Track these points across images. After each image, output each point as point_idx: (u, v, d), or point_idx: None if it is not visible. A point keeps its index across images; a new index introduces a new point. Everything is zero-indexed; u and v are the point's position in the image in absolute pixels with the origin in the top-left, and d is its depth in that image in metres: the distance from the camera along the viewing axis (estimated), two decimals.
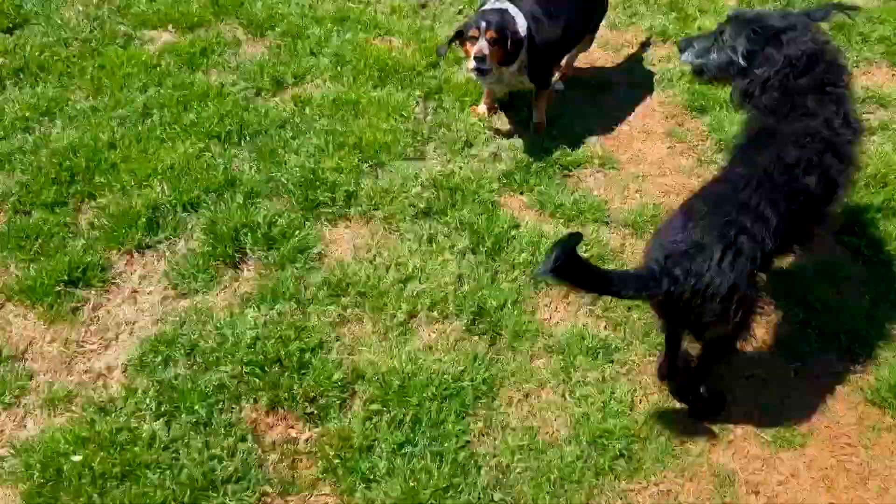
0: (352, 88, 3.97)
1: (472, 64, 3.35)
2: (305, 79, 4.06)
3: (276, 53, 4.19)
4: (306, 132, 3.69)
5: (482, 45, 3.30)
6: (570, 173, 3.61)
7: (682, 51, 2.94)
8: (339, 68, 4.10)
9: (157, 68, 4.01)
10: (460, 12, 4.61)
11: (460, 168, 3.58)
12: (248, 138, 3.64)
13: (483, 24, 3.32)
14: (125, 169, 3.40)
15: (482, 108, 3.93)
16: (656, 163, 3.71)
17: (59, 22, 4.27)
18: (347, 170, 3.48)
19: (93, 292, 2.96)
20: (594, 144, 3.77)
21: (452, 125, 3.81)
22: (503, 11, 3.43)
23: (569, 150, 3.68)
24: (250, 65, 4.08)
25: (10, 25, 4.24)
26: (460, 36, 3.46)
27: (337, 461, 2.47)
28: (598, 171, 3.64)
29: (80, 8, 4.41)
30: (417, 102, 3.92)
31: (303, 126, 3.72)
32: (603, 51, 4.43)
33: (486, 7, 3.51)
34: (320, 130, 3.69)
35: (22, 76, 3.91)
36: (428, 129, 3.77)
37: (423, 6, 4.64)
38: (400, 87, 4.01)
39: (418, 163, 3.60)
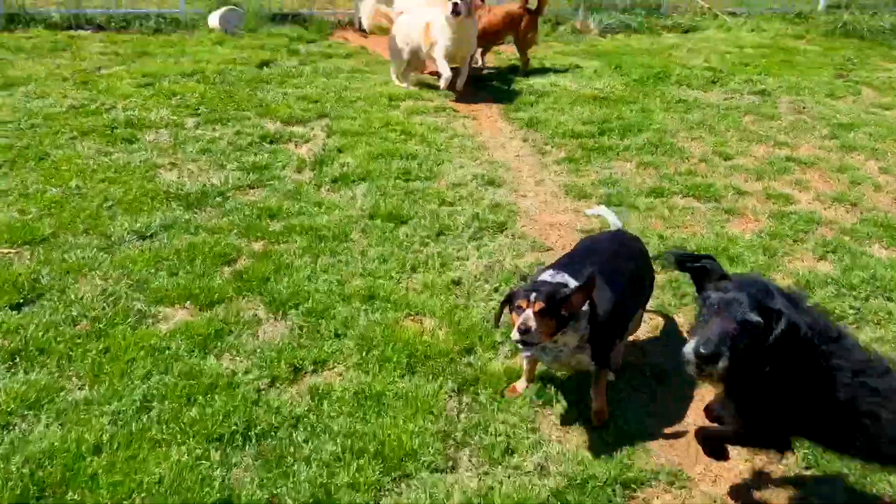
0: (377, 378, 3.53)
1: (515, 335, 2.99)
2: (327, 364, 3.65)
3: (298, 336, 3.82)
4: (321, 434, 3.18)
5: (527, 317, 2.95)
6: (634, 494, 2.99)
7: (712, 360, 2.38)
8: (364, 353, 3.70)
9: (167, 352, 3.64)
10: (496, 290, 4.31)
11: (500, 483, 3.00)
12: (253, 440, 3.14)
13: (532, 296, 2.99)
14: (106, 482, 2.86)
15: (521, 383, 3.49)
16: (734, 480, 3.09)
17: (72, 297, 4.02)
18: (365, 486, 2.91)
19: None
20: (658, 454, 3.20)
21: (490, 426, 3.30)
22: (559, 284, 3.11)
23: (628, 462, 3.11)
24: (268, 349, 3.70)
25: (21, 301, 3.99)
26: (509, 302, 3.12)
27: None
28: (666, 492, 3.02)
29: (98, 282, 4.19)
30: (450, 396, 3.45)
31: (318, 426, 3.23)
32: (655, 336, 4.02)
33: (541, 278, 3.23)
34: (338, 432, 3.18)
35: (18, 360, 3.55)
36: (462, 431, 3.25)
37: (457, 283, 4.36)
38: (430, 377, 3.56)
39: (450, 476, 3.03)
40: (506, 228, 5.08)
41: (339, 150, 6.22)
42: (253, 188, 5.55)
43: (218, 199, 5.31)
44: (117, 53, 8.82)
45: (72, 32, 9.77)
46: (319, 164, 5.94)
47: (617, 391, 3.54)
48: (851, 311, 4.16)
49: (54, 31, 9.81)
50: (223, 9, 9.93)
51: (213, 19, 9.93)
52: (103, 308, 3.95)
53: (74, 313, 3.89)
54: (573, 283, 3.13)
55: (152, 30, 9.98)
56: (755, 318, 2.35)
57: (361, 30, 10.65)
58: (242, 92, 7.60)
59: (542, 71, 8.69)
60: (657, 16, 10.82)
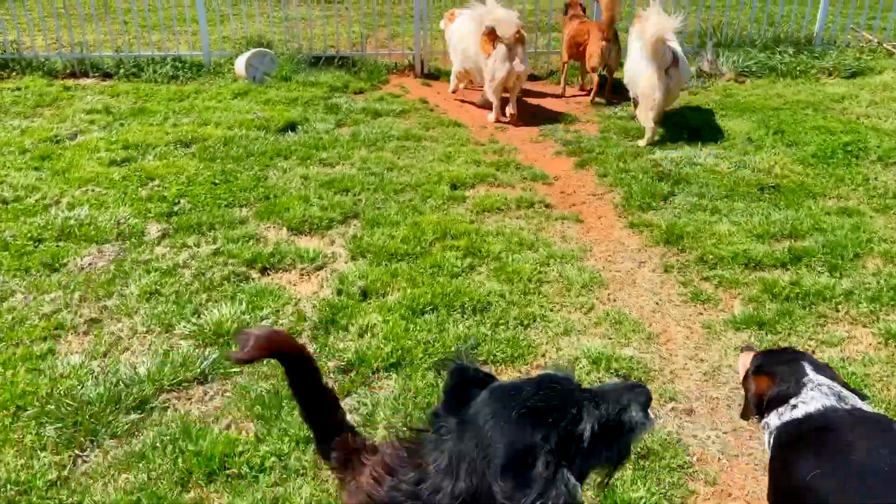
0: None
1: None
2: None
3: None
4: None
5: None
6: None
7: None
8: None
9: None
10: None
11: None
12: None
13: None
14: None
15: None
16: None
17: None
18: None
19: None
20: None
21: None
22: None
23: None
24: None
25: None
26: None
27: None
28: None
29: None
30: None
31: None
32: None
33: None
34: None
35: None
36: None
37: None
38: None
39: None
40: None
41: (364, 295, 3.65)
42: (202, 383, 3.03)
43: (133, 415, 2.82)
44: (109, 111, 6.58)
45: (69, 82, 7.65)
46: (326, 326, 3.39)
47: None
48: None
49: (53, 79, 7.72)
50: (249, 52, 7.59)
51: (239, 65, 7.61)
52: None
53: None
54: None
55: (168, 77, 7.75)
56: None
57: (424, 75, 8.15)
58: (247, 173, 5.17)
59: (670, 132, 5.93)
60: (808, 53, 7.86)
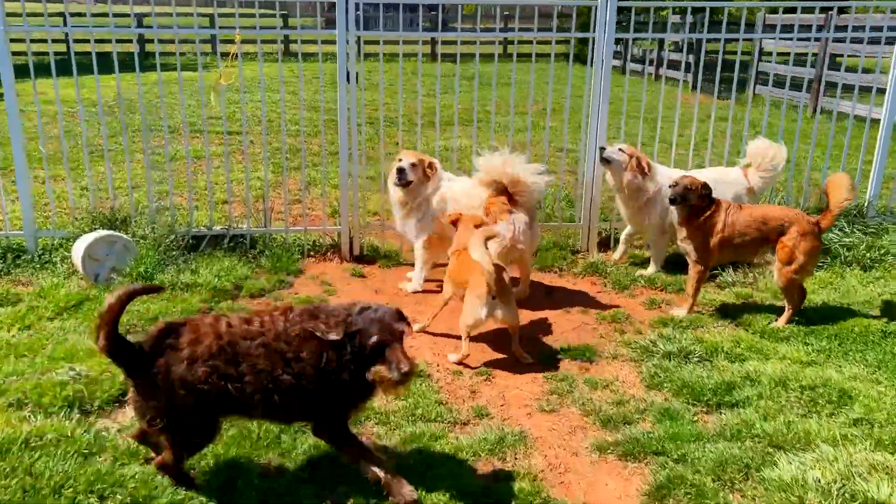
0: None
1: None
2: None
3: None
4: None
5: None
6: None
7: None
8: None
9: None
10: None
11: None
12: None
13: None
14: None
15: None
16: None
17: None
18: None
19: None
20: None
21: None
22: None
23: None
24: None
25: None
26: None
27: None
28: None
29: None
30: None
31: None
32: None
33: None
34: None
35: None
36: None
37: None
38: None
39: None
40: None
41: None
42: None
43: None
44: None
45: None
46: None
47: None
48: None
49: None
50: (93, 236, 4.91)
51: (77, 256, 4.90)
52: None
53: None
54: None
55: None
56: None
57: (355, 258, 5.66)
58: None
59: (758, 388, 3.59)
60: (862, 228, 5.89)
